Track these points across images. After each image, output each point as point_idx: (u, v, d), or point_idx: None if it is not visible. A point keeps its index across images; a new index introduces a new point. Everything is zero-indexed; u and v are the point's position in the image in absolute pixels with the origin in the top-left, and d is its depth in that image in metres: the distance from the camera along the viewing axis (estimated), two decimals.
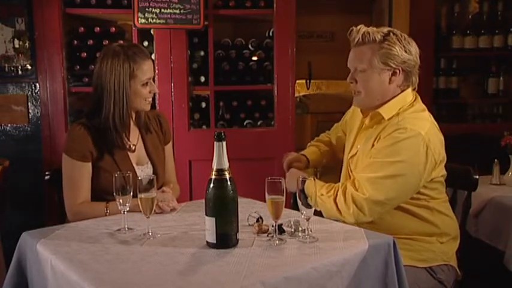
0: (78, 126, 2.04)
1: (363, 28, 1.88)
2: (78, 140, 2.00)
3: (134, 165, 2.10)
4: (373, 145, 1.87)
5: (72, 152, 1.99)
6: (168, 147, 2.31)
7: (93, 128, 2.03)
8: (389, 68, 1.84)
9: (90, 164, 2.01)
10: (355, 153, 1.98)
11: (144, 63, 2.04)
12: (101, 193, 2.02)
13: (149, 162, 2.17)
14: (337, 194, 1.82)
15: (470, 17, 3.84)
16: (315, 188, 1.59)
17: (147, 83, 2.06)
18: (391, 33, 1.84)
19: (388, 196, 1.77)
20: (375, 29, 1.88)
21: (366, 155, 1.88)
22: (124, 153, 2.08)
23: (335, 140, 2.34)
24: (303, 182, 1.57)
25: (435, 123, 1.89)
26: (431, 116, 1.91)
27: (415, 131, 1.77)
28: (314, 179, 1.61)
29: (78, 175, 1.99)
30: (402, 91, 1.90)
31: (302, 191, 1.57)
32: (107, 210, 1.94)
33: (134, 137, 2.15)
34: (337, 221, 1.87)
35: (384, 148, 1.80)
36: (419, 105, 1.91)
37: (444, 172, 1.90)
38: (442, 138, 1.88)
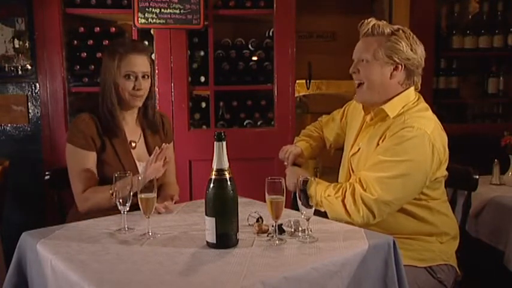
0: (82, 117, 2.08)
1: (373, 20, 1.89)
2: (82, 128, 2.03)
3: (135, 160, 2.11)
4: (378, 144, 1.87)
5: (76, 141, 2.02)
6: (169, 148, 2.30)
7: (97, 118, 2.07)
8: (392, 62, 1.85)
9: (94, 153, 2.03)
10: (357, 151, 1.97)
11: (131, 55, 2.05)
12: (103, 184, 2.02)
13: None
14: (345, 195, 1.81)
15: (470, 17, 3.83)
16: (316, 187, 1.59)
17: (129, 75, 2.05)
18: (401, 30, 1.86)
19: (396, 196, 1.77)
20: (385, 22, 1.89)
21: (370, 153, 1.88)
22: (126, 148, 2.10)
23: (332, 137, 2.33)
24: (304, 182, 1.57)
25: (439, 122, 1.89)
26: (434, 115, 1.91)
27: (422, 130, 1.77)
28: (315, 179, 1.61)
29: (83, 163, 2.01)
30: (404, 90, 1.90)
31: (302, 191, 1.56)
32: (112, 191, 1.93)
33: (136, 135, 2.16)
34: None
35: (391, 147, 1.79)
36: (423, 104, 1.92)
37: (446, 173, 1.91)
38: (446, 138, 1.88)
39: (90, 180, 2.01)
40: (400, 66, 1.86)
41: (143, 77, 2.08)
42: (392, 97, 1.89)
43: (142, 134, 2.19)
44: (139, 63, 2.07)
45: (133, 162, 2.09)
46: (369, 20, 1.90)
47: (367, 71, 1.89)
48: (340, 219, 1.81)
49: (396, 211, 1.84)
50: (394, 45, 1.83)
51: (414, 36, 1.88)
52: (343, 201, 1.80)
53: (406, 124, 1.80)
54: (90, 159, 2.03)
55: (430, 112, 1.90)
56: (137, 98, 2.09)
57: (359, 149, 1.97)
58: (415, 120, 1.80)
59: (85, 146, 2.02)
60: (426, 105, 1.92)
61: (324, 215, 1.86)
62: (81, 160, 2.01)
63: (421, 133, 1.77)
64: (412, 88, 1.92)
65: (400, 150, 1.77)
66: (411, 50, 1.84)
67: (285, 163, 2.20)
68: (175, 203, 2.03)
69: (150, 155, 2.17)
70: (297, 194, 1.58)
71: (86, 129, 2.03)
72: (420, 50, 1.87)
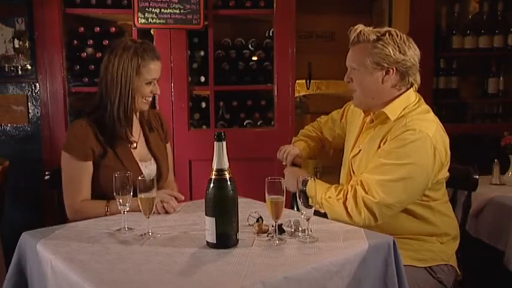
0: (80, 123, 2.03)
1: (359, 28, 1.88)
2: (80, 138, 1.99)
3: (138, 161, 2.10)
4: (379, 146, 1.86)
5: (73, 150, 1.98)
6: (168, 147, 2.32)
7: (95, 124, 2.03)
8: (381, 68, 1.84)
9: (91, 163, 2.00)
10: (358, 153, 1.97)
11: (152, 62, 2.04)
12: (105, 190, 1.99)
13: (152, 159, 2.17)
14: (346, 197, 1.80)
15: (470, 17, 3.84)
16: (315, 188, 1.58)
17: (150, 82, 2.06)
18: (387, 34, 1.84)
19: (398, 199, 1.77)
20: (371, 28, 1.87)
21: (371, 155, 1.87)
22: (127, 149, 2.08)
23: (332, 138, 2.33)
24: (304, 182, 1.56)
25: (441, 124, 1.88)
26: (436, 117, 1.90)
27: (424, 133, 1.77)
28: (314, 180, 1.61)
29: (78, 174, 1.99)
30: (403, 91, 1.89)
31: (302, 191, 1.56)
32: (107, 209, 1.94)
33: (136, 134, 2.15)
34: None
35: (393, 150, 1.78)
36: (425, 106, 1.91)
37: (448, 174, 1.90)
38: (447, 139, 1.87)
39: (82, 192, 1.99)
40: (391, 70, 1.84)
41: (157, 80, 2.11)
42: (390, 100, 1.88)
43: (141, 133, 2.19)
44: (158, 69, 2.08)
45: (135, 162, 2.08)
46: (356, 27, 1.89)
47: (359, 79, 1.89)
48: (340, 221, 1.81)
49: (398, 212, 1.83)
50: (381, 51, 1.81)
51: (403, 37, 1.85)
52: (344, 203, 1.79)
53: (407, 127, 1.79)
54: (86, 170, 1.99)
55: (431, 114, 1.90)
56: (148, 102, 2.10)
57: (360, 150, 1.96)
58: (417, 123, 1.80)
59: (82, 157, 1.98)
60: (427, 107, 1.92)
61: (324, 215, 1.86)
62: (76, 172, 1.99)
63: (423, 136, 1.77)
64: (412, 90, 1.91)
65: (402, 153, 1.77)
66: (400, 52, 1.82)
67: (283, 163, 2.20)
68: (178, 202, 2.02)
69: (151, 153, 2.18)
70: (297, 194, 1.58)
71: (84, 138, 1.99)
72: (411, 50, 1.85)
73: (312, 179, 1.59)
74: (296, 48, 3.29)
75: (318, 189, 1.64)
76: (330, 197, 1.83)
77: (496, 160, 2.72)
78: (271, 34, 3.36)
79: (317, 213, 1.73)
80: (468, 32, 3.71)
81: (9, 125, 3.23)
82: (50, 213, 3.05)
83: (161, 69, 2.11)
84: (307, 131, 2.41)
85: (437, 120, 1.89)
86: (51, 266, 1.45)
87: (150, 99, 2.11)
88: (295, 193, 1.62)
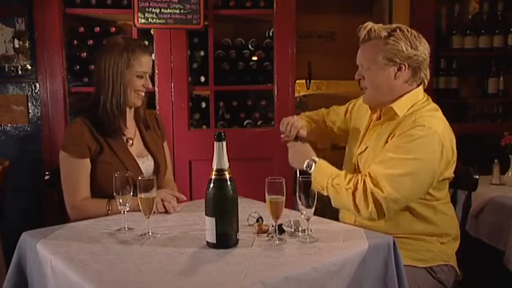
0: (75, 122, 2.05)
1: (369, 25, 1.88)
2: (76, 136, 2.01)
3: (135, 157, 2.11)
4: (386, 142, 1.86)
5: (70, 149, 2.00)
6: (165, 145, 2.32)
7: (90, 121, 2.05)
8: (393, 64, 1.84)
9: (88, 160, 2.02)
10: (364, 150, 1.97)
11: (142, 55, 2.07)
12: (104, 188, 1.99)
13: (149, 155, 2.18)
14: (356, 188, 1.78)
15: (470, 17, 3.84)
16: (322, 171, 1.57)
17: (142, 76, 2.08)
18: (398, 30, 1.84)
19: (404, 194, 1.76)
20: (381, 25, 1.88)
21: (377, 152, 1.87)
22: (123, 145, 2.09)
23: (334, 129, 2.28)
24: (308, 166, 1.54)
25: (448, 124, 1.89)
26: (444, 117, 1.90)
27: (432, 130, 1.77)
28: (317, 164, 1.58)
29: (76, 172, 2.00)
30: (413, 88, 1.89)
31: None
32: (108, 207, 1.94)
33: (131, 132, 2.16)
34: (337, 220, 1.86)
35: (402, 145, 1.79)
36: (433, 104, 1.92)
37: (453, 174, 1.90)
38: (454, 139, 1.87)
39: (81, 190, 1.99)
40: (403, 66, 1.85)
41: (149, 75, 2.13)
42: (400, 96, 1.89)
43: (137, 130, 2.20)
44: (149, 63, 2.11)
45: (132, 158, 2.09)
46: (365, 24, 1.89)
47: (371, 77, 1.89)
48: (344, 207, 1.79)
49: (401, 210, 1.83)
50: (393, 46, 1.82)
51: (413, 32, 1.86)
52: (353, 193, 1.77)
53: (416, 123, 1.80)
54: (84, 167, 2.00)
55: (439, 112, 1.90)
56: (141, 96, 2.12)
57: (366, 147, 1.96)
58: (426, 120, 1.80)
59: (78, 155, 1.99)
60: (436, 105, 1.92)
61: (323, 215, 1.85)
62: (74, 170, 2.00)
63: (431, 132, 1.77)
64: (421, 88, 1.92)
65: (410, 148, 1.77)
66: (411, 47, 1.83)
67: (282, 136, 2.08)
68: (178, 202, 2.03)
69: (148, 149, 2.19)
70: (297, 195, 1.58)
71: (80, 135, 2.01)
72: (422, 45, 1.85)
73: (317, 161, 1.55)
74: (296, 48, 3.29)
75: (325, 171, 1.62)
76: (338, 184, 1.81)
77: (496, 160, 2.72)
78: (271, 34, 3.36)
79: (317, 213, 1.72)
80: (468, 32, 3.71)
81: (9, 125, 3.23)
82: (50, 213, 3.05)
83: (156, 67, 2.13)
84: (308, 113, 2.35)
85: (445, 119, 1.89)
86: (51, 266, 1.45)
87: (143, 94, 2.13)
88: (296, 174, 1.61)
